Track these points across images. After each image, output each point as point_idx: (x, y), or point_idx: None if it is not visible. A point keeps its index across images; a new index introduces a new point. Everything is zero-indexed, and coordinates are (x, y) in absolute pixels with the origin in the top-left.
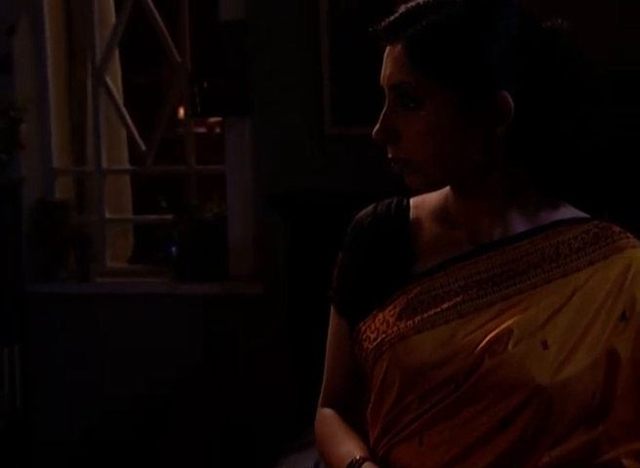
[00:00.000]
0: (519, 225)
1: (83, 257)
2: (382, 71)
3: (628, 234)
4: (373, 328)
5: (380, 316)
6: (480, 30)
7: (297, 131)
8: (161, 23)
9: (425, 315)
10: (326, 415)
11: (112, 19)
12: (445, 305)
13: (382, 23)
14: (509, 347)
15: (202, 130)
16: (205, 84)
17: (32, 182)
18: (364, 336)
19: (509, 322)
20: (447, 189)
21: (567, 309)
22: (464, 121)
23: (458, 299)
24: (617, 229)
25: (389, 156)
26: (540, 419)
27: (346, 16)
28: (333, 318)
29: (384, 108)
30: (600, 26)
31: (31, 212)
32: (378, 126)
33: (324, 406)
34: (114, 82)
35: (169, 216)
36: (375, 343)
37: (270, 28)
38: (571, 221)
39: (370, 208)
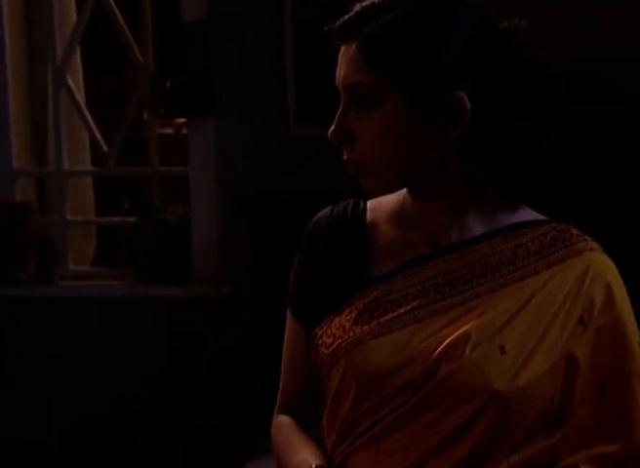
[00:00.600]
0: (477, 227)
1: (44, 260)
2: (337, 71)
3: (586, 236)
4: (329, 332)
5: (337, 321)
6: (435, 29)
7: (262, 131)
8: (122, 22)
9: (382, 320)
10: (282, 423)
11: (73, 17)
12: (402, 310)
13: (337, 23)
14: (467, 352)
15: (170, 131)
16: (168, 84)
17: None
18: (320, 341)
19: (467, 326)
20: (404, 191)
21: (525, 313)
22: (420, 121)
23: (415, 304)
24: (575, 231)
25: (344, 157)
26: (498, 425)
27: (311, 15)
28: (289, 322)
29: (339, 109)
30: (555, 26)
31: None
32: (333, 127)
33: (281, 412)
34: (76, 82)
35: (132, 219)
36: (331, 348)
37: (234, 28)
38: (529, 224)
39: (326, 210)
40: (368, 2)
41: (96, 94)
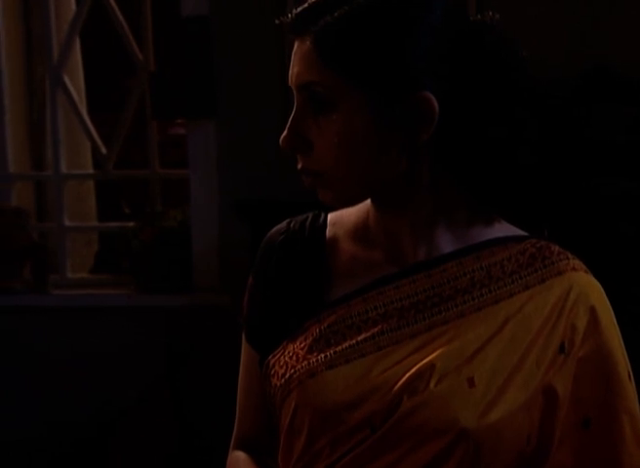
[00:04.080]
0: (447, 245)
1: (39, 267)
2: (290, 69)
3: (569, 255)
4: (282, 361)
5: (291, 348)
6: (399, 22)
7: (265, 133)
8: (122, 19)
9: (339, 348)
10: (238, 458)
11: (72, 15)
12: (361, 337)
13: (290, 15)
14: (431, 385)
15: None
16: (167, 83)
17: None
18: (272, 372)
19: (432, 356)
20: (368, 204)
21: (497, 340)
22: (383, 126)
23: (375, 330)
24: (556, 249)
25: (299, 167)
26: (466, 467)
27: None
28: (244, 348)
29: (293, 112)
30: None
31: None
32: (285, 132)
33: (236, 446)
34: (77, 82)
35: (131, 224)
36: (282, 380)
37: (235, 24)
38: (505, 240)
39: (283, 224)
40: None
41: (98, 94)
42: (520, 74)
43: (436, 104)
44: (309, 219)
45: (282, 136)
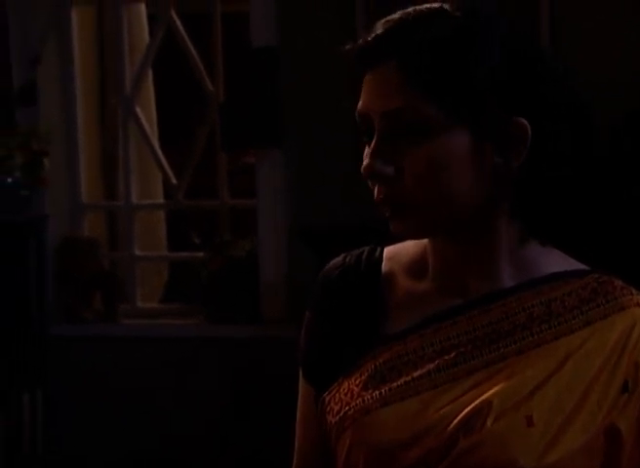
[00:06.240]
0: (509, 279)
1: (109, 297)
2: (367, 97)
3: (633, 290)
4: (337, 398)
5: (346, 384)
6: (490, 44)
7: (333, 162)
8: (193, 51)
9: (394, 385)
10: None
11: (145, 46)
12: (417, 373)
13: (365, 42)
14: (488, 423)
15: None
16: (235, 114)
17: (59, 218)
18: (328, 409)
19: (489, 393)
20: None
21: (557, 378)
22: (478, 152)
23: (432, 366)
24: (619, 284)
25: (380, 197)
26: None
27: None
28: (301, 383)
29: (374, 140)
30: None
31: (57, 249)
32: (368, 161)
33: None
34: (147, 112)
35: (201, 254)
36: (337, 417)
37: (304, 55)
38: (566, 275)
39: (339, 259)
40: (398, 16)
41: (169, 124)
42: (548, 88)
43: (529, 130)
44: (365, 254)
45: (365, 165)
